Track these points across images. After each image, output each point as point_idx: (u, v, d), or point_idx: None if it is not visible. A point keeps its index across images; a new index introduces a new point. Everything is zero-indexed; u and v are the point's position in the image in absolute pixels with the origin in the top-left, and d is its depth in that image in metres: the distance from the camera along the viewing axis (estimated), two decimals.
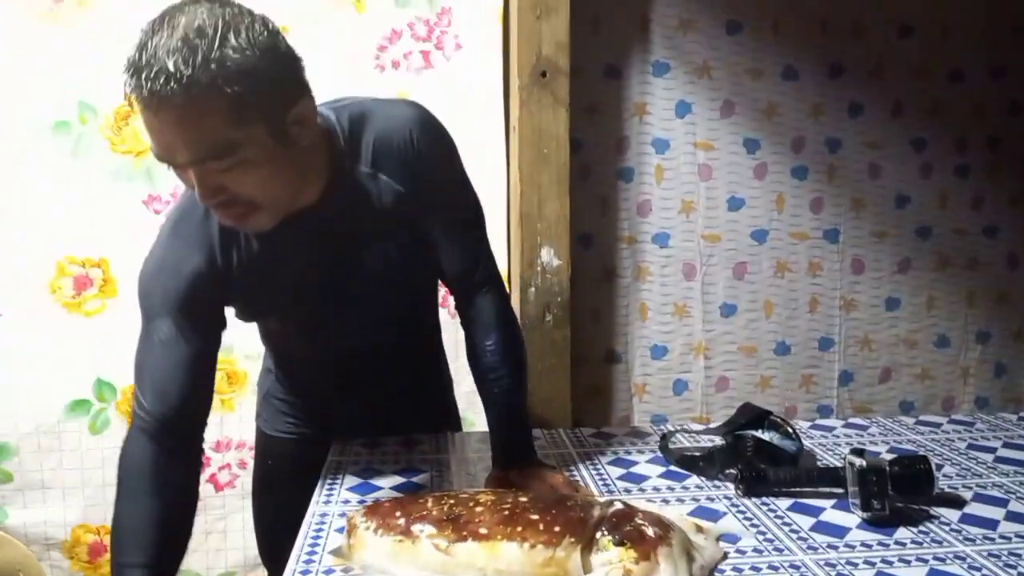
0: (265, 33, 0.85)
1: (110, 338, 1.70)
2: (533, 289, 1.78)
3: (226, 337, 1.82)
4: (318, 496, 1.05)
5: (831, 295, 2.07)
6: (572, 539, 0.80)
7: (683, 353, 2.02)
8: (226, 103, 0.81)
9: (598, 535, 0.81)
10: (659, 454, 1.20)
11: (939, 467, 1.12)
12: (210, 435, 1.72)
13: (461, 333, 1.77)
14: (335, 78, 1.74)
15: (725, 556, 0.86)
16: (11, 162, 1.64)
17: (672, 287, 1.99)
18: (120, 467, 0.98)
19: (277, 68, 0.86)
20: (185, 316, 0.98)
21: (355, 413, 1.28)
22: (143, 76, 0.79)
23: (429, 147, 1.03)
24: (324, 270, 1.05)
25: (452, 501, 0.87)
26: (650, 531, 0.81)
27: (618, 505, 0.86)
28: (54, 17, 1.62)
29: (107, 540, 1.74)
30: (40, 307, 1.67)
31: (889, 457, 1.00)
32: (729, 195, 1.98)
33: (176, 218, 1.02)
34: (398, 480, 1.11)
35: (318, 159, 0.97)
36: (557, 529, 0.80)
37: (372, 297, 1.10)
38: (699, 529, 0.89)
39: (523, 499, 0.86)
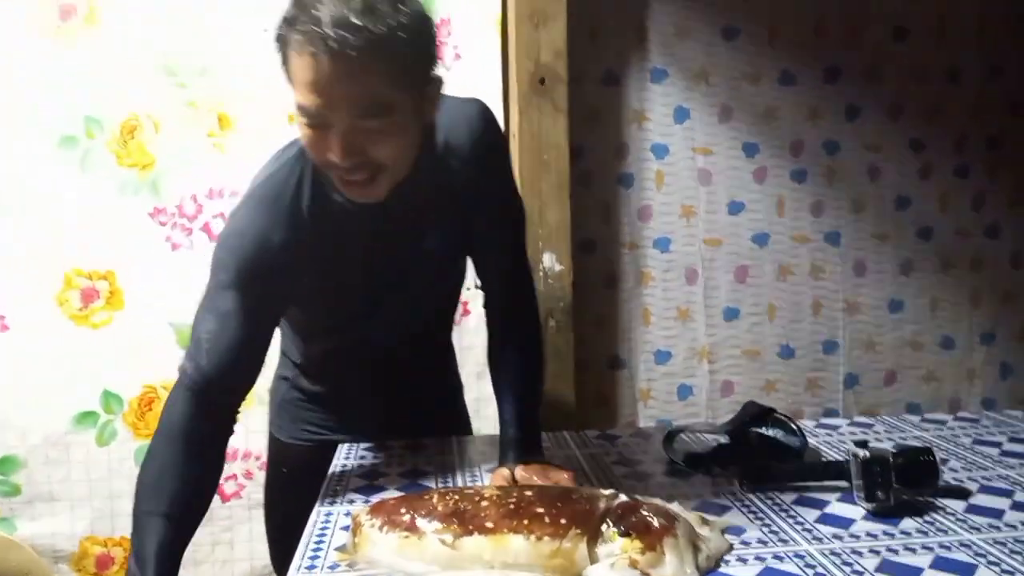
0: (420, 6, 0.92)
1: (117, 350, 1.71)
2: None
3: None
4: (323, 497, 1.06)
5: (834, 298, 2.07)
6: (578, 530, 0.80)
7: (687, 358, 2.02)
8: (396, 65, 0.88)
9: (604, 527, 0.81)
10: (663, 453, 1.20)
11: (944, 461, 1.12)
12: None
13: (467, 340, 1.79)
14: None
15: (731, 548, 0.86)
16: (19, 176, 1.66)
17: (675, 292, 2.00)
18: (160, 420, 1.00)
19: (430, 42, 0.94)
20: (258, 287, 0.99)
21: (376, 413, 1.29)
22: (328, 24, 0.83)
23: (492, 136, 1.10)
24: (388, 253, 1.08)
25: (457, 497, 0.88)
26: (655, 522, 0.81)
27: (623, 497, 0.86)
28: (61, 33, 1.65)
29: (114, 552, 1.74)
30: (47, 319, 1.68)
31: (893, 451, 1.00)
32: (729, 199, 1.99)
33: (266, 192, 1.02)
34: (403, 482, 1.11)
35: None
36: (563, 521, 0.81)
37: (418, 286, 1.13)
38: (704, 522, 0.89)
39: (528, 493, 0.87)
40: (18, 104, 1.65)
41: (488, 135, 1.09)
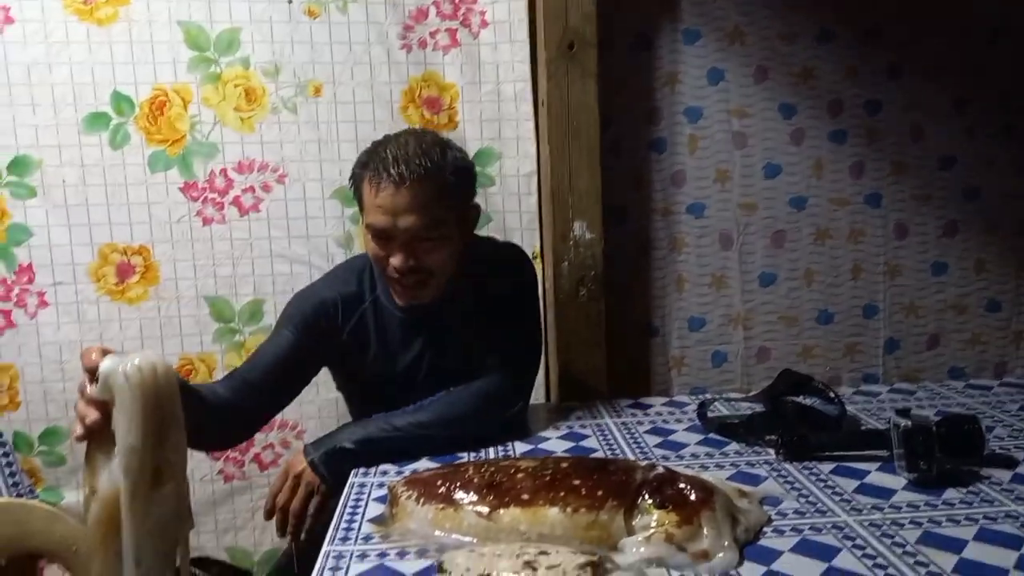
0: (463, 153, 1.24)
1: (153, 325, 1.74)
2: (566, 263, 1.77)
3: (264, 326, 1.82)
4: (356, 469, 1.07)
5: (874, 261, 2.01)
6: (615, 502, 0.79)
7: (722, 324, 1.99)
8: (444, 191, 1.15)
9: (640, 499, 0.80)
10: (697, 422, 1.19)
11: (990, 429, 1.10)
12: None
13: None
14: (362, 58, 1.75)
15: (769, 520, 0.85)
16: (52, 152, 1.67)
17: (709, 258, 1.96)
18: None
19: (470, 177, 1.24)
20: (304, 330, 1.25)
21: None
22: (393, 164, 1.12)
23: (530, 276, 1.38)
24: (420, 355, 1.30)
25: (493, 469, 0.88)
26: (692, 495, 0.80)
27: (660, 469, 0.85)
28: (89, 11, 1.65)
29: None
30: (83, 295, 1.71)
31: (936, 419, 0.97)
32: (765, 162, 1.94)
33: (340, 266, 1.40)
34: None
35: None
36: (599, 493, 0.80)
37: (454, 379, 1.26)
38: (742, 493, 0.88)
39: (564, 465, 0.86)
40: (50, 81, 1.65)
41: (527, 274, 1.37)
